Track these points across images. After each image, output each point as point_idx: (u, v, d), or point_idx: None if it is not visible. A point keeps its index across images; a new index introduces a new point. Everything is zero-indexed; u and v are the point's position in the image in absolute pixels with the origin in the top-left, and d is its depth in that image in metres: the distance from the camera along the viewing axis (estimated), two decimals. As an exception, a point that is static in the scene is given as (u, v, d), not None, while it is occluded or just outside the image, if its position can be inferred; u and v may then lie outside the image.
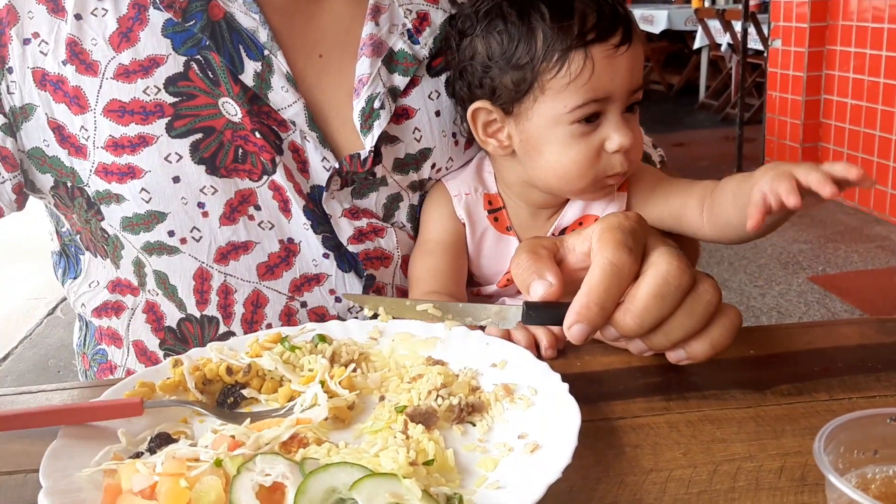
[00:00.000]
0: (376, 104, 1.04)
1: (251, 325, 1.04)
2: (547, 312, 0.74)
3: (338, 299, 1.07)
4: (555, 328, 0.85)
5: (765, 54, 6.06)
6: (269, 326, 1.06)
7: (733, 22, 7.29)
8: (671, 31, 9.41)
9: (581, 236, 0.76)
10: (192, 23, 0.97)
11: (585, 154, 0.99)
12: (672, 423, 0.73)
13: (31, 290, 4.49)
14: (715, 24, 8.14)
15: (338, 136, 1.05)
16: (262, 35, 1.00)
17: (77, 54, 0.96)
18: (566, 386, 0.72)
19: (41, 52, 0.96)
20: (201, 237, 1.00)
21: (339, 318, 1.08)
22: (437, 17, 1.09)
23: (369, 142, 1.03)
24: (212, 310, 1.03)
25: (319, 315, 1.07)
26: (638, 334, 0.72)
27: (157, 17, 0.97)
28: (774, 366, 0.84)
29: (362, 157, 1.03)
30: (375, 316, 0.85)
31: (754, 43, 7.00)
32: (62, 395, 0.84)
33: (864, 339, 0.88)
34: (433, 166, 1.10)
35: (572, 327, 0.71)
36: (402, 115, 1.07)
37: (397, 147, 1.07)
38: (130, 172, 0.97)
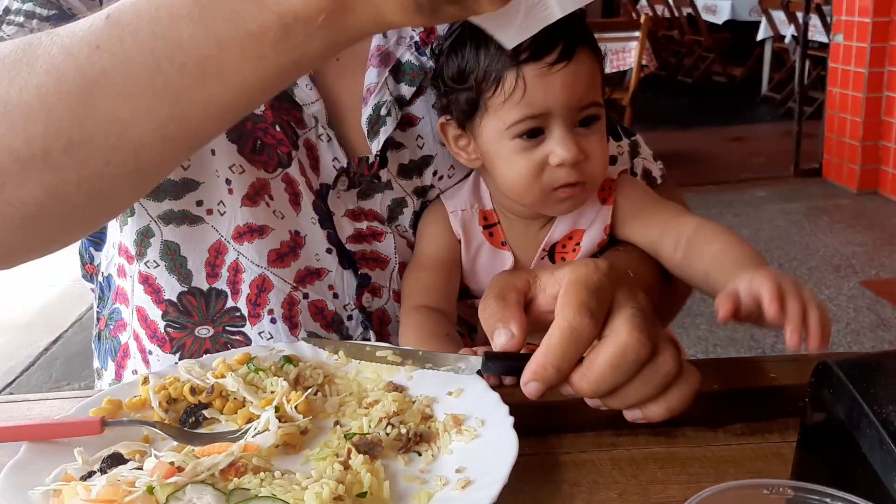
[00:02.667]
0: (383, 111, 1.08)
1: (255, 306, 1.08)
2: (505, 364, 0.77)
3: (335, 295, 1.10)
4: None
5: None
6: (271, 312, 1.09)
7: (797, 13, 7.09)
8: (734, 22, 9.20)
9: (553, 277, 0.77)
10: None
11: (528, 168, 1.00)
12: (615, 461, 0.74)
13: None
14: (779, 15, 7.93)
15: (349, 137, 1.10)
16: None
17: None
18: (511, 420, 0.74)
19: None
20: (225, 212, 1.05)
21: (336, 314, 1.12)
22: (443, 28, 1.12)
23: (375, 146, 1.08)
24: (222, 283, 1.07)
25: (319, 308, 1.11)
26: (593, 398, 0.74)
27: None
28: (733, 402, 0.83)
29: (370, 161, 1.08)
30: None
31: (820, 35, 6.81)
32: (41, 406, 0.88)
33: (836, 376, 0.87)
34: (435, 173, 1.13)
35: (528, 384, 0.73)
36: (406, 122, 1.11)
37: (402, 153, 1.11)
38: None
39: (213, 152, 1.02)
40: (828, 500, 0.45)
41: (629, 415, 0.76)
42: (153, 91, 0.61)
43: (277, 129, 1.04)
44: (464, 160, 1.09)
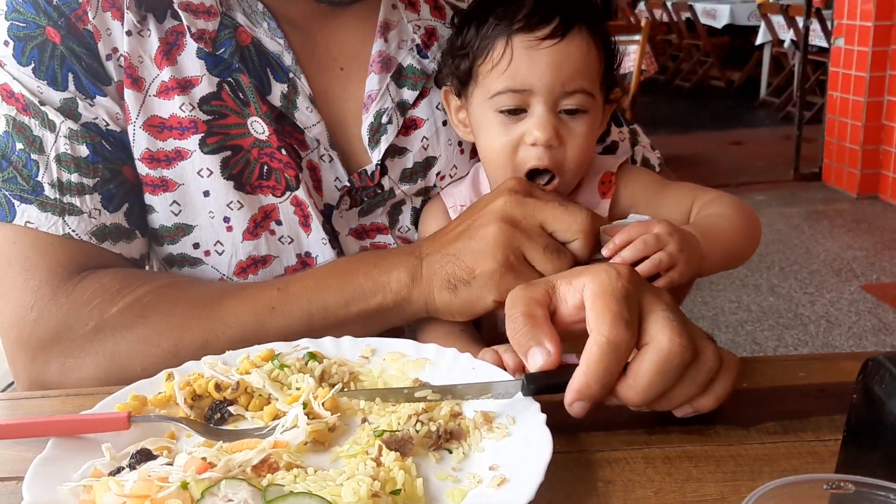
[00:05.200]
0: (384, 119, 1.09)
1: None
2: (546, 383, 0.74)
3: None
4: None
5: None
6: None
7: (797, 18, 7.11)
8: (733, 26, 9.22)
9: (572, 286, 0.76)
10: (222, 50, 1.03)
11: (505, 144, 1.00)
12: (649, 459, 0.73)
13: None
14: (778, 20, 7.95)
15: (352, 148, 1.10)
16: (287, 59, 1.05)
17: (127, 68, 1.01)
18: (544, 417, 0.73)
19: (120, 65, 1.01)
20: (224, 251, 1.05)
21: None
22: (445, 31, 1.13)
23: (376, 155, 1.08)
24: None
25: None
26: (641, 407, 0.74)
27: (192, 43, 1.02)
28: (764, 401, 0.83)
29: (370, 172, 1.08)
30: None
31: (819, 40, 6.82)
32: (63, 401, 0.87)
33: (865, 376, 0.86)
34: (438, 174, 1.13)
35: (574, 404, 0.71)
36: (410, 126, 1.11)
37: (405, 158, 1.11)
38: (164, 185, 1.02)
39: (206, 193, 1.02)
40: (892, 495, 0.44)
41: (679, 412, 0.75)
42: (296, 335, 0.91)
43: (283, 152, 1.03)
44: (461, 133, 1.10)
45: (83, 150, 0.99)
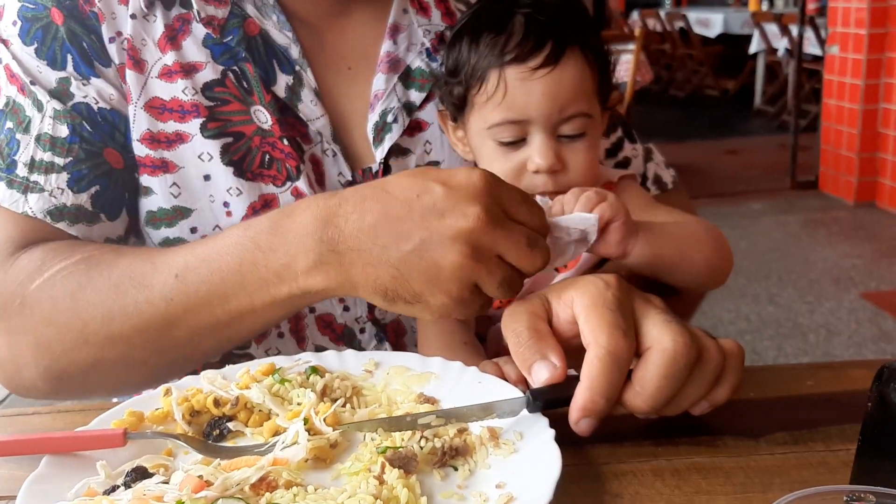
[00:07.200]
0: (389, 118, 1.09)
1: None
2: (551, 399, 0.73)
3: (346, 308, 1.09)
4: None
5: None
6: (277, 327, 1.08)
7: (791, 26, 7.13)
8: (727, 35, 9.26)
9: (561, 301, 0.75)
10: (229, 38, 1.04)
11: (507, 170, 0.99)
12: (657, 471, 0.71)
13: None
14: (772, 29, 7.98)
15: (356, 147, 1.10)
16: (294, 52, 1.06)
17: (129, 50, 1.02)
18: (552, 433, 0.71)
19: (123, 48, 1.02)
20: None
21: (346, 327, 1.10)
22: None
23: (379, 154, 1.08)
24: None
25: (327, 322, 1.09)
26: (649, 414, 0.72)
27: (198, 30, 1.04)
28: (773, 411, 0.81)
29: (374, 171, 1.08)
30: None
31: (813, 48, 6.84)
32: (55, 418, 0.85)
33: (874, 384, 0.85)
34: None
35: (580, 422, 0.70)
36: (415, 127, 1.11)
37: (409, 159, 1.11)
38: (164, 166, 1.02)
39: (206, 177, 1.02)
40: (915, 508, 0.42)
41: (696, 409, 0.74)
42: (206, 326, 0.88)
43: (285, 142, 1.04)
44: (460, 151, 1.09)
45: (63, 130, 1.00)
